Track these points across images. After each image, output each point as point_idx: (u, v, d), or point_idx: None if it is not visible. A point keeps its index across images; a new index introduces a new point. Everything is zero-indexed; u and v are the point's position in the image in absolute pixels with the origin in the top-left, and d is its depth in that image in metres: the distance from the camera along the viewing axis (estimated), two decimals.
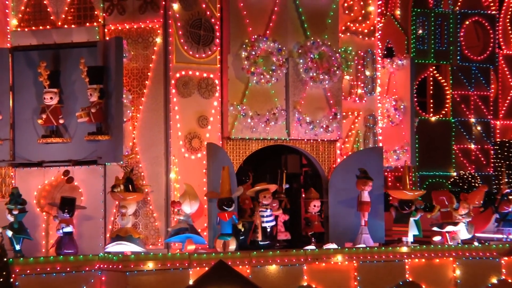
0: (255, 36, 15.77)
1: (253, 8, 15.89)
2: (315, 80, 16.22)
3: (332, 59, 16.38)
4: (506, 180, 17.97)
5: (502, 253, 16.04)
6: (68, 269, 12.89)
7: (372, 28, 17.66)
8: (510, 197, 17.55)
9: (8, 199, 13.93)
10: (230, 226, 14.26)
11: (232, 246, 14.19)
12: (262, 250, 14.36)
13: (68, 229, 14.02)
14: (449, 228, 16.17)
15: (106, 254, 13.39)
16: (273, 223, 15.16)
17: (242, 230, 14.47)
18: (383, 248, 15.43)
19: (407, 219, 15.99)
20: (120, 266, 12.98)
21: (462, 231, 16.39)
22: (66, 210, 14.05)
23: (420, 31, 20.85)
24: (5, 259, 12.24)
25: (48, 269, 12.73)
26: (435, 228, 16.37)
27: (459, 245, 16.01)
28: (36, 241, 14.79)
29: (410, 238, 15.95)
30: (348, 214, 16.06)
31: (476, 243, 16.33)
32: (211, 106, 15.55)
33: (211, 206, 14.74)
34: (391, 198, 16.79)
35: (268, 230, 15.07)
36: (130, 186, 14.00)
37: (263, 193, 14.99)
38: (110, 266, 13.12)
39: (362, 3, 17.52)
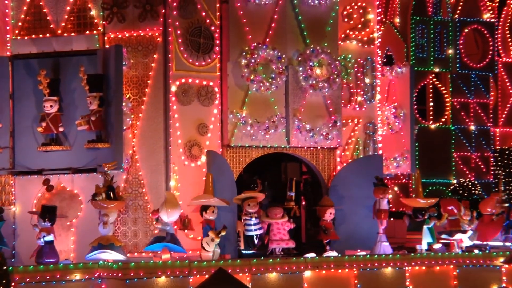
0: (255, 44, 15.79)
1: (253, 16, 15.92)
2: (314, 87, 16.23)
3: (332, 66, 16.40)
4: (502, 188, 17.95)
5: (503, 261, 15.99)
6: (68, 277, 12.86)
7: (371, 36, 17.69)
8: None
9: None
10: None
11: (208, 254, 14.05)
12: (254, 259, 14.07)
13: (49, 238, 13.80)
14: (458, 236, 16.17)
15: (105, 262, 13.37)
16: (260, 231, 14.90)
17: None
18: (383, 255, 15.39)
19: (421, 227, 15.96)
20: (120, 274, 12.96)
21: (464, 239, 16.39)
22: (47, 219, 13.85)
23: (420, 39, 20.87)
24: (5, 267, 12.21)
25: (48, 277, 12.70)
26: (444, 236, 16.35)
27: (459, 252, 15.99)
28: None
29: (424, 246, 15.93)
30: (349, 222, 16.03)
31: (476, 251, 16.31)
32: (211, 114, 15.56)
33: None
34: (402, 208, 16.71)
35: (256, 238, 14.82)
36: (111, 194, 13.92)
37: (248, 201, 14.79)
38: (110, 274, 13.09)
39: (361, 11, 17.56)
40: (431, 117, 21.06)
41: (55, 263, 13.41)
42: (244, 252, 14.59)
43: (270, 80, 15.81)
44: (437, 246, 16.42)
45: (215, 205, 14.42)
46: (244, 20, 15.86)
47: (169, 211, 14.09)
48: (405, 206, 16.63)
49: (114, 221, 14.17)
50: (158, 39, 15.12)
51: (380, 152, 17.56)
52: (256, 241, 14.79)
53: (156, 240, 14.11)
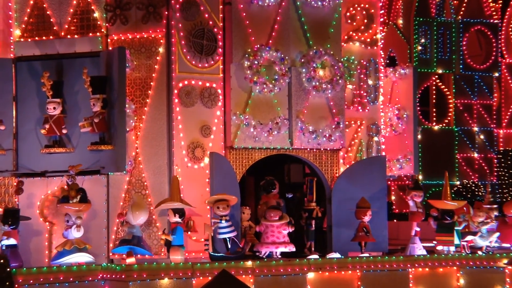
0: (258, 46, 15.80)
1: (256, 17, 15.93)
2: (317, 89, 16.23)
3: (335, 68, 16.39)
4: (490, 189, 18.02)
5: (507, 263, 15.97)
6: (71, 279, 12.87)
7: (374, 37, 17.68)
8: None
9: None
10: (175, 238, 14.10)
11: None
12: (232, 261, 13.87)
13: (10, 242, 13.60)
14: (469, 237, 16.16)
15: (108, 264, 13.37)
16: (232, 234, 14.53)
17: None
18: (386, 257, 15.38)
19: (451, 229, 15.94)
20: (123, 276, 12.97)
21: (477, 239, 16.40)
22: (9, 222, 13.70)
23: (423, 40, 20.88)
24: (8, 269, 12.23)
25: (51, 279, 12.71)
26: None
27: (463, 254, 15.98)
28: (39, 251, 14.77)
29: (452, 248, 15.96)
30: (352, 223, 16.01)
31: (480, 252, 16.29)
32: (214, 116, 15.56)
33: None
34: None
35: (229, 241, 14.49)
36: (85, 196, 13.99)
37: (219, 203, 14.49)
38: (113, 276, 13.10)
39: (364, 12, 17.56)
40: (434, 119, 21.05)
41: (19, 267, 13.05)
42: (213, 255, 14.15)
43: (273, 81, 15.82)
44: (440, 247, 16.42)
45: (180, 207, 14.23)
46: (247, 22, 15.86)
47: (136, 214, 14.05)
48: (432, 208, 16.56)
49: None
50: (161, 41, 15.13)
51: (383, 153, 17.55)
52: (229, 245, 14.44)
53: (122, 243, 14.02)
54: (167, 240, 14.08)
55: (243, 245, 14.60)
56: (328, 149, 16.62)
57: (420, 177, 20.15)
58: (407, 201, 16.38)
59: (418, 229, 16.17)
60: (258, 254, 14.78)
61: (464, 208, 16.44)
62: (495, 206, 16.74)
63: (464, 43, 21.32)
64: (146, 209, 14.33)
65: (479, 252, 16.24)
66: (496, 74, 21.84)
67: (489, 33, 21.71)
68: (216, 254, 14.14)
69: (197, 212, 14.86)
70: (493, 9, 21.88)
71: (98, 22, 15.38)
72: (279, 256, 14.76)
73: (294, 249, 14.92)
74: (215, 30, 15.52)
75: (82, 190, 14.11)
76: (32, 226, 14.65)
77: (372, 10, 17.63)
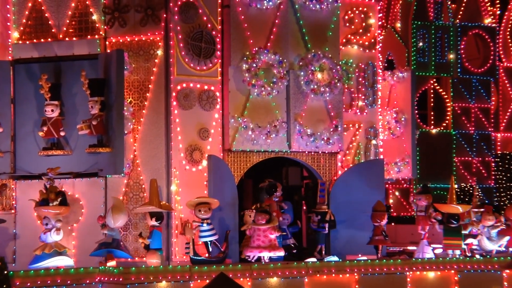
0: (256, 49, 15.80)
1: (254, 20, 15.93)
2: (316, 92, 16.24)
3: (333, 71, 16.40)
4: (476, 193, 18.10)
5: (503, 266, 15.99)
6: (68, 281, 12.84)
7: (372, 40, 17.70)
8: None
9: None
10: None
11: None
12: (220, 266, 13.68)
13: None
14: (469, 240, 16.19)
15: (105, 267, 13.35)
16: (213, 237, 14.32)
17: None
18: (384, 260, 15.38)
19: (458, 233, 15.97)
20: (120, 279, 12.95)
21: (485, 242, 16.41)
22: None
23: (421, 44, 20.92)
24: (5, 272, 12.21)
25: (49, 281, 12.68)
26: None
27: (461, 257, 15.99)
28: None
29: (458, 252, 16.06)
30: (350, 226, 16.02)
31: (477, 256, 16.29)
32: (212, 119, 15.56)
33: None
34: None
35: (210, 245, 14.31)
36: (65, 199, 13.91)
37: (200, 206, 14.31)
38: (111, 279, 13.08)
39: (362, 15, 17.57)
40: (432, 122, 21.06)
41: None
42: (194, 258, 13.99)
43: (271, 84, 15.82)
44: (438, 251, 16.44)
45: (158, 211, 14.10)
46: (246, 25, 15.87)
47: (115, 217, 13.98)
48: (437, 211, 16.55)
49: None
50: (160, 43, 15.13)
51: (381, 156, 17.56)
52: (210, 248, 14.26)
53: (101, 246, 13.95)
54: (145, 243, 14.02)
55: (225, 249, 14.38)
56: (326, 152, 16.62)
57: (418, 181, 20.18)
58: (413, 204, 16.32)
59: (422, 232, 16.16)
60: (247, 258, 14.58)
61: (465, 213, 16.46)
62: (482, 210, 16.76)
63: (462, 46, 21.35)
64: (125, 212, 14.25)
65: (477, 256, 16.25)
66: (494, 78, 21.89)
67: (486, 36, 21.74)
68: (197, 258, 13.97)
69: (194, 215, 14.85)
70: (491, 13, 21.91)
71: (97, 25, 15.38)
72: (267, 261, 14.44)
73: (282, 254, 14.63)
74: (214, 33, 15.52)
75: (62, 193, 13.97)
76: (30, 228, 14.61)
77: (370, 14, 17.64)
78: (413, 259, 15.61)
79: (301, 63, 16.25)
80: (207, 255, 14.23)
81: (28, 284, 12.53)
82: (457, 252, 15.98)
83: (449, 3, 21.42)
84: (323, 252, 15.78)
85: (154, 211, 14.07)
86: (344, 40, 17.31)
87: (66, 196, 14.03)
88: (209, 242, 14.31)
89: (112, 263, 13.63)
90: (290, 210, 16.05)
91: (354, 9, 17.48)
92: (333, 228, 15.82)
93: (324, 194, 15.95)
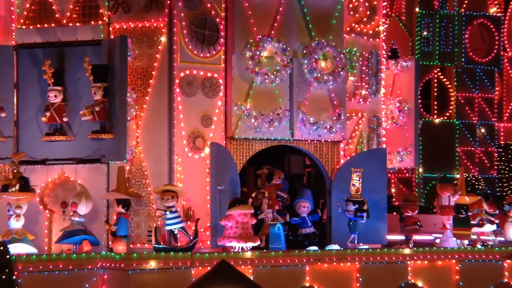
0: (260, 36, 15.77)
1: (258, 8, 15.89)
2: (319, 80, 16.21)
3: (337, 60, 16.36)
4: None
5: (504, 256, 16.01)
6: (70, 267, 12.89)
7: (377, 29, 17.64)
8: None
9: None
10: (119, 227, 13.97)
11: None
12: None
13: None
14: (474, 230, 16.30)
15: (108, 253, 13.38)
16: (178, 225, 14.03)
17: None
18: (385, 249, 15.40)
19: (467, 223, 16.06)
20: (122, 265, 12.99)
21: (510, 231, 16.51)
22: None
23: (425, 33, 20.85)
24: (7, 257, 12.25)
25: (51, 266, 12.73)
26: None
27: (462, 247, 16.02)
28: (39, 239, 14.79)
29: (466, 241, 16.18)
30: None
31: (479, 246, 16.32)
32: (215, 106, 15.55)
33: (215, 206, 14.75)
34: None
35: (175, 232, 14.02)
36: (25, 185, 13.77)
37: (163, 194, 14.05)
38: (113, 265, 13.12)
39: (367, 4, 17.51)
40: (436, 112, 21.03)
41: None
42: (156, 247, 13.71)
43: (274, 72, 15.79)
44: (438, 240, 16.51)
45: (125, 198, 14.05)
46: (250, 12, 15.82)
47: (88, 204, 14.02)
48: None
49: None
50: (163, 30, 15.10)
51: (384, 146, 17.55)
52: (176, 235, 13.99)
53: (72, 234, 13.83)
54: (111, 230, 13.97)
55: (193, 236, 13.96)
56: (329, 140, 16.61)
57: (420, 170, 20.17)
58: (442, 196, 16.31)
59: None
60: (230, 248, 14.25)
61: (474, 204, 16.56)
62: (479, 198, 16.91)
63: (467, 36, 21.28)
64: (92, 198, 14.23)
65: (478, 246, 16.27)
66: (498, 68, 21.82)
67: (491, 26, 21.66)
68: (159, 246, 13.72)
69: (197, 201, 14.88)
70: (496, 2, 21.83)
71: (100, 11, 15.35)
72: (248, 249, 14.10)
73: (257, 243, 14.21)
74: (218, 20, 15.49)
75: (24, 178, 13.83)
76: (32, 214, 14.63)
77: (375, 2, 17.58)
78: (414, 248, 15.62)
79: (304, 51, 16.22)
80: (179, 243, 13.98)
81: (30, 268, 12.59)
82: (465, 242, 16.05)
83: None
84: (356, 242, 15.53)
85: (121, 198, 14.01)
86: (348, 29, 17.26)
87: (28, 182, 13.88)
88: (173, 230, 14.06)
89: (88, 248, 13.70)
90: (310, 198, 16.00)
91: None
92: (368, 217, 15.67)
93: (359, 182, 15.76)
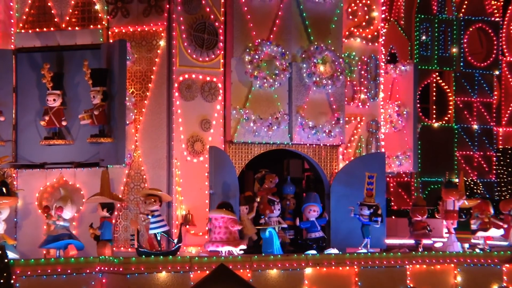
0: (259, 40, 15.79)
1: (257, 12, 15.91)
2: (318, 84, 16.23)
3: (336, 64, 16.38)
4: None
5: (503, 260, 16.01)
6: (69, 271, 12.87)
7: (375, 33, 17.67)
8: None
9: None
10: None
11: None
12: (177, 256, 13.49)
13: None
14: (480, 233, 16.30)
15: (106, 257, 13.38)
16: (161, 229, 14.00)
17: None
18: (384, 253, 15.40)
19: (468, 227, 16.16)
20: (121, 269, 12.98)
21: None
22: None
23: (424, 37, 20.89)
24: (6, 260, 12.23)
25: (49, 270, 12.71)
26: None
27: (460, 251, 16.03)
28: (37, 243, 14.77)
29: (466, 245, 16.25)
30: (350, 220, 16.01)
31: (477, 250, 16.32)
32: (214, 110, 15.56)
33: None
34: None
35: (158, 236, 13.98)
36: (5, 189, 13.70)
37: (149, 197, 14.02)
38: (111, 269, 13.11)
39: (366, 8, 17.54)
40: (434, 116, 21.05)
41: None
42: (139, 250, 13.65)
43: (273, 76, 15.81)
44: (438, 244, 16.50)
45: (109, 202, 14.02)
46: (249, 16, 15.85)
47: (74, 207, 14.01)
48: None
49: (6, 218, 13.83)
50: (162, 34, 15.12)
51: (383, 150, 17.56)
52: (159, 239, 13.97)
53: (56, 238, 13.76)
54: (96, 234, 13.94)
55: (177, 240, 13.93)
56: (328, 144, 16.62)
57: (419, 174, 20.20)
58: (450, 202, 16.32)
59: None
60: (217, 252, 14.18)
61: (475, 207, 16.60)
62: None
63: (465, 40, 21.32)
64: (76, 202, 14.24)
65: (477, 250, 16.28)
66: (497, 72, 21.84)
67: (490, 31, 21.70)
68: (142, 250, 13.69)
69: (196, 205, 14.88)
70: (495, 7, 21.87)
71: (99, 15, 15.37)
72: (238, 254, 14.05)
73: (242, 247, 14.19)
74: (217, 24, 15.51)
75: (4, 183, 13.73)
76: (31, 218, 14.62)
77: (374, 7, 17.61)
78: (413, 252, 15.62)
79: (303, 55, 16.24)
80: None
81: (29, 272, 12.56)
82: (466, 245, 16.07)
83: None
84: (368, 246, 15.36)
85: (105, 202, 13.98)
86: (347, 33, 17.28)
87: (9, 187, 13.81)
88: (157, 234, 14.03)
89: (74, 252, 13.65)
90: (319, 201, 15.98)
91: (358, 1, 17.44)
92: (382, 222, 15.60)
93: (373, 187, 15.62)
